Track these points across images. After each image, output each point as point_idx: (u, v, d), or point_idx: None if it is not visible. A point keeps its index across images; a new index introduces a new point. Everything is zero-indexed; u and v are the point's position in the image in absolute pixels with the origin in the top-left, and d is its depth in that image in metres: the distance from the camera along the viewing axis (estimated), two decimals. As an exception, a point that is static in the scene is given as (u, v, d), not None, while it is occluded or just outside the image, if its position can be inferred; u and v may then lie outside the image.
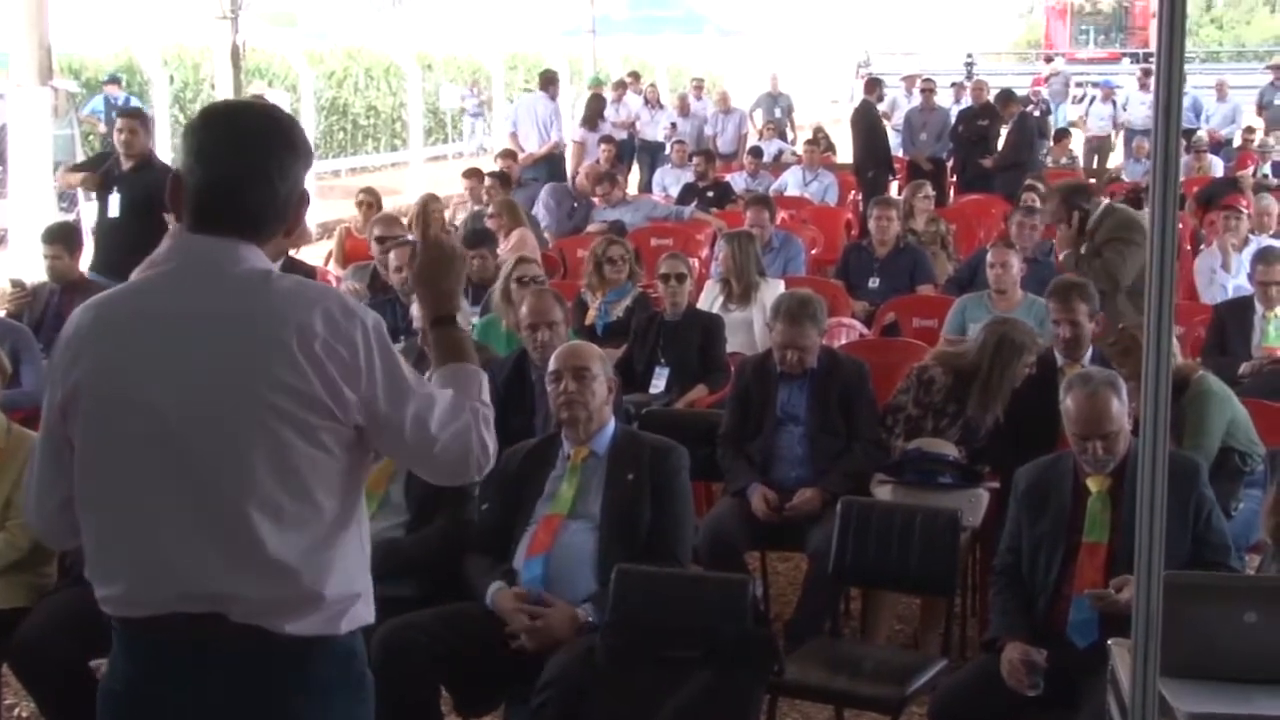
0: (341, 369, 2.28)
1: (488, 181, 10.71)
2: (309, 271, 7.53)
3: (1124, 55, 30.32)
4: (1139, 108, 18.33)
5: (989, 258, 7.09)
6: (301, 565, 2.29)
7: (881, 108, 14.42)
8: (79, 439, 2.34)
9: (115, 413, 2.29)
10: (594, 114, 14.82)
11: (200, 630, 2.28)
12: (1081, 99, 22.77)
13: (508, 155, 12.69)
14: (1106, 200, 6.86)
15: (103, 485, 2.32)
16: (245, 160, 2.34)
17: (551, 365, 4.35)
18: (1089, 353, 5.37)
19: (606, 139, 13.99)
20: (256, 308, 2.29)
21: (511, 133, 14.06)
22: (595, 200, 10.99)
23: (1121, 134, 18.94)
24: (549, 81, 14.44)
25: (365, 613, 2.42)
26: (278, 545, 2.27)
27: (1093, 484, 4.02)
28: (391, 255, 7.00)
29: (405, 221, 8.99)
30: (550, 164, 13.40)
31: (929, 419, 5.24)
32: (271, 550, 2.26)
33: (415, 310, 5.28)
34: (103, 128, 17.48)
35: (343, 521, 2.36)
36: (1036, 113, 16.77)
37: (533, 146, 13.63)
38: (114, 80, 17.65)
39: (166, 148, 14.76)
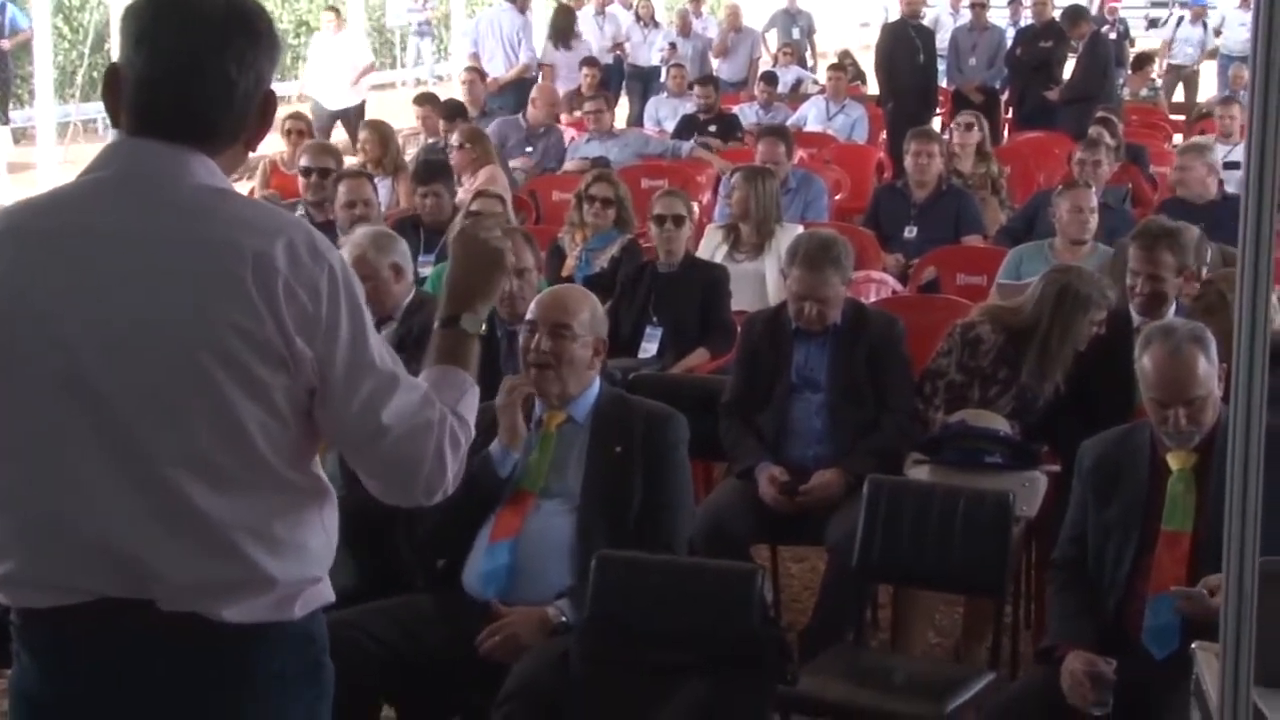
0: (299, 317, 2.27)
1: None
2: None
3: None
4: (1237, 29, 18.38)
5: (1060, 200, 7.14)
6: (247, 538, 2.30)
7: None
8: None
9: (21, 345, 2.28)
10: (564, 27, 14.76)
11: (122, 623, 2.28)
12: (1161, 23, 22.73)
13: (472, 72, 12.66)
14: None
15: (3, 430, 2.31)
16: (196, 49, 2.32)
17: (529, 313, 4.36)
18: (1172, 310, 5.38)
19: (589, 61, 13.97)
20: (204, 232, 2.28)
21: (472, 53, 14.03)
22: (568, 130, 10.96)
23: (1213, 63, 18.94)
24: (518, -11, 14.40)
25: (324, 592, 2.43)
26: (217, 512, 2.27)
27: (1174, 460, 4.04)
28: (341, 188, 7.08)
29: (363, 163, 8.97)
30: (519, 90, 13.36)
31: (975, 387, 5.24)
32: (208, 517, 2.27)
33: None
34: None
35: (306, 494, 2.38)
36: (1112, 35, 16.77)
37: (498, 70, 13.61)
38: (-10, -17, 17.56)
39: (48, 75, 14.70)
